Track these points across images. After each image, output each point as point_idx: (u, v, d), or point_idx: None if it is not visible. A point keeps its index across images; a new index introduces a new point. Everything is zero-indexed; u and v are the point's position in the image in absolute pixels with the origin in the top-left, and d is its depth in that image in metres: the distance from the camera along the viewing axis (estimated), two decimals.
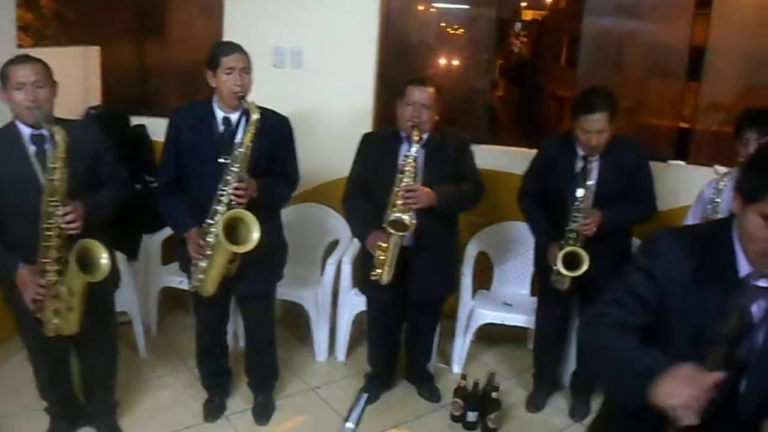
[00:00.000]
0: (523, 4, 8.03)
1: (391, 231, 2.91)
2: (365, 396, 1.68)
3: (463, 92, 4.37)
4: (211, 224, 2.70)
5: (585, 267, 2.97)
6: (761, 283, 1.51)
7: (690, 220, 3.01)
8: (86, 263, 2.44)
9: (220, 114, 2.80)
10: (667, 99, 4.17)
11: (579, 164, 3.07)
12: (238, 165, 2.65)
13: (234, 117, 2.78)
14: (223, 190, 2.65)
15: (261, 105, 2.85)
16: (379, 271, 3.03)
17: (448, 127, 3.18)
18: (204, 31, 4.14)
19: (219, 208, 2.66)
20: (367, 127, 3.81)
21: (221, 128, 2.79)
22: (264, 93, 2.99)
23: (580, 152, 3.06)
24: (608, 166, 3.03)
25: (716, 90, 4.04)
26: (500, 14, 5.79)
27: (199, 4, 4.46)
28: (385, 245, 2.96)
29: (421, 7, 4.55)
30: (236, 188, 2.64)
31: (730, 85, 4.06)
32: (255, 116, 2.67)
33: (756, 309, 1.52)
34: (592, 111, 2.89)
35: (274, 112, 2.90)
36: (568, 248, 3.01)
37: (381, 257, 3.00)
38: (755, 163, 1.46)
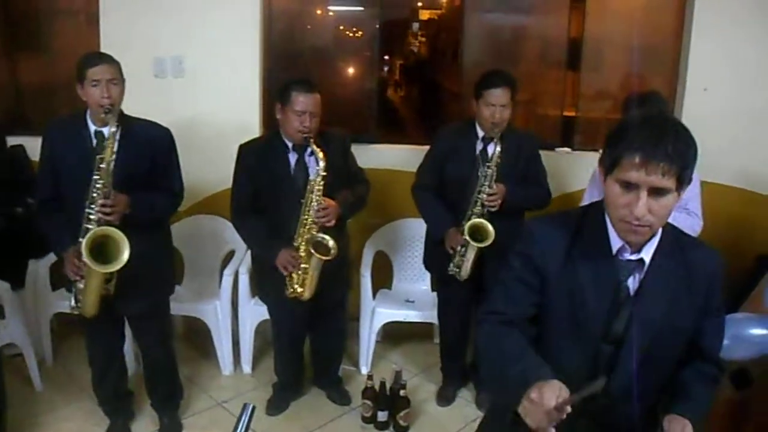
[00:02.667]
0: (420, 4, 8.12)
1: (316, 255, 2.92)
2: (250, 407, 1.64)
3: (353, 93, 4.36)
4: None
5: (491, 239, 3.03)
6: (633, 256, 1.56)
7: (587, 201, 3.11)
8: None
9: (92, 128, 2.69)
10: (551, 89, 4.29)
11: (480, 146, 3.17)
12: (102, 181, 2.55)
13: (107, 131, 2.67)
14: (91, 208, 2.54)
15: (141, 116, 2.78)
16: (300, 289, 3.02)
17: (328, 127, 3.16)
18: (83, 43, 3.97)
19: (89, 226, 2.55)
20: (255, 133, 3.76)
21: (94, 142, 2.68)
22: (145, 104, 2.91)
23: (481, 134, 3.16)
24: (507, 151, 3.13)
25: (595, 79, 4.20)
26: (393, 15, 5.87)
27: (76, 15, 4.27)
28: (307, 266, 2.96)
29: (318, 11, 4.52)
30: (102, 205, 2.53)
31: (608, 74, 4.23)
32: (111, 129, 2.57)
33: (631, 282, 1.57)
34: (495, 85, 3.06)
35: (153, 124, 2.82)
36: (475, 219, 3.07)
37: (301, 277, 3.00)
38: (611, 136, 1.50)
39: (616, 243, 1.55)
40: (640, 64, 4.23)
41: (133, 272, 2.59)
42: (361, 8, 4.25)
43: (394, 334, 4.03)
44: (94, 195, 2.54)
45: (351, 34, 4.41)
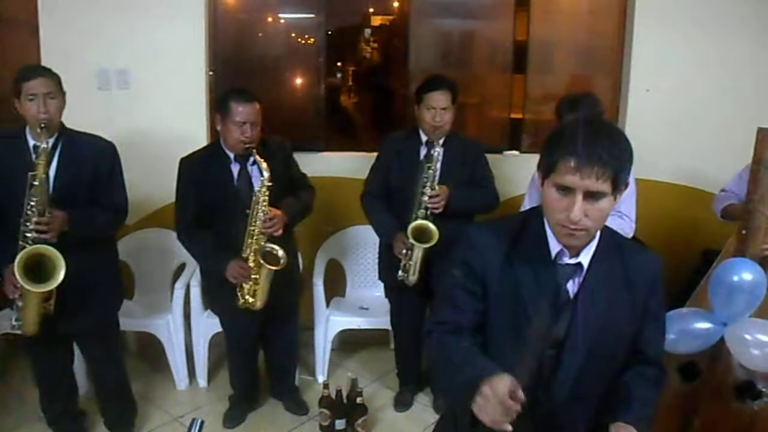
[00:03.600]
0: (371, 10, 8.14)
1: (265, 265, 2.91)
2: (198, 421, 1.62)
3: (302, 101, 4.35)
4: None
5: (434, 240, 3.06)
6: (572, 260, 1.57)
7: (527, 204, 3.15)
8: None
9: (32, 143, 2.64)
10: (499, 92, 4.34)
11: (423, 150, 3.20)
12: (36, 198, 2.49)
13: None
14: (26, 226, 2.49)
15: (85, 130, 2.73)
16: (252, 300, 3.00)
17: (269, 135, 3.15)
18: (25, 56, 3.87)
19: (25, 244, 2.49)
20: (203, 144, 3.66)
21: (33, 157, 2.61)
22: (90, 117, 2.88)
23: (424, 138, 3.21)
24: (451, 156, 3.18)
25: (542, 81, 4.27)
26: (345, 22, 5.87)
27: (19, 27, 4.15)
28: (257, 276, 2.95)
29: (270, 19, 4.49)
30: (37, 223, 2.48)
31: (554, 76, 4.30)
32: (43, 145, 2.53)
33: (571, 286, 1.59)
34: (435, 88, 3.13)
35: (95, 137, 2.77)
36: (418, 221, 3.09)
37: (252, 288, 2.98)
38: (548, 141, 1.52)
39: (554, 247, 1.57)
40: (585, 66, 4.33)
41: (75, 289, 2.55)
42: (312, 15, 4.23)
43: (350, 342, 4.03)
44: (29, 213, 2.49)
45: (303, 41, 4.40)
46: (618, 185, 1.45)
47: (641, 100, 4.07)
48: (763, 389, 2.81)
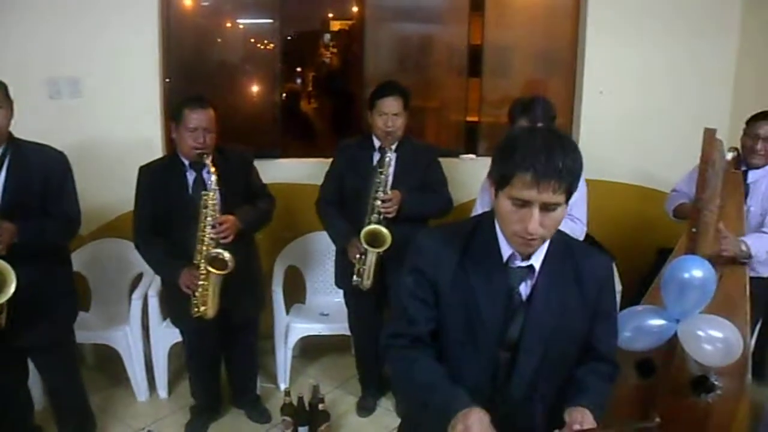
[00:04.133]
0: (331, 15, 8.13)
1: (212, 270, 2.88)
2: None
3: (258, 108, 4.32)
4: None
5: (387, 244, 3.08)
6: (523, 263, 1.59)
7: (479, 209, 3.17)
8: None
9: None
10: (455, 96, 4.37)
11: (377, 156, 3.22)
12: None
13: None
14: None
15: (37, 140, 2.68)
16: (203, 308, 2.97)
17: (225, 144, 3.13)
18: None
19: None
20: (158, 154, 3.65)
21: None
22: (40, 127, 2.83)
23: (377, 144, 3.22)
24: (404, 161, 3.21)
25: (497, 85, 4.32)
26: (304, 27, 5.85)
27: None
28: (206, 283, 2.92)
29: (228, 24, 4.45)
30: None
31: (509, 79, 4.35)
32: None
33: (523, 288, 1.61)
34: (387, 94, 3.16)
35: (46, 147, 2.72)
36: (371, 226, 3.11)
37: (203, 295, 2.95)
38: (500, 151, 1.52)
39: (506, 251, 1.59)
40: (540, 69, 4.39)
41: (28, 303, 2.50)
42: (270, 21, 4.21)
43: (311, 349, 4.02)
44: None
45: (262, 47, 4.37)
46: (572, 194, 1.48)
47: (595, 102, 4.15)
48: (716, 382, 2.88)
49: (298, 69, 7.51)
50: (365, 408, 3.55)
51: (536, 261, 1.59)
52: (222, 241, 2.90)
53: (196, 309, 2.98)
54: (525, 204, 1.46)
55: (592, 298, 1.65)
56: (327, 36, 8.39)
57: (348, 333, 3.64)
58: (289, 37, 5.25)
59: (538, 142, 1.45)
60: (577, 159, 1.47)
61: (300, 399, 3.24)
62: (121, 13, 3.63)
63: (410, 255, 1.68)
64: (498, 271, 1.59)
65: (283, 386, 3.67)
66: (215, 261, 2.89)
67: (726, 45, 4.19)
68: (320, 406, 3.22)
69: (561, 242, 1.65)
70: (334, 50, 8.45)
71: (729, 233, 2.91)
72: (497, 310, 1.59)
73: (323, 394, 3.28)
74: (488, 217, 1.63)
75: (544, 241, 1.55)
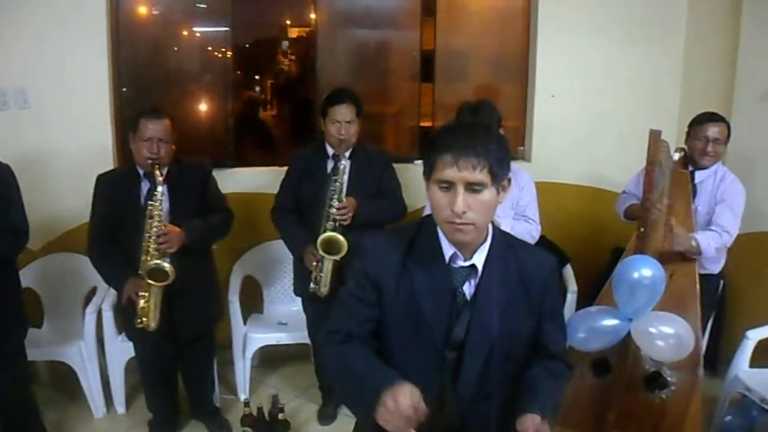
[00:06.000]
0: (288, 22, 8.10)
1: (152, 282, 2.85)
2: None
3: (212, 117, 4.28)
4: None
5: (344, 251, 3.08)
6: (466, 263, 1.61)
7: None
8: None
9: None
10: (409, 101, 4.39)
11: (331, 164, 3.22)
12: None
13: None
14: None
15: None
16: (144, 320, 2.94)
17: (184, 155, 3.12)
18: None
19: None
20: (109, 164, 3.60)
21: None
22: None
23: (331, 152, 3.23)
24: (358, 167, 3.22)
25: (450, 89, 4.34)
26: (262, 35, 5.80)
27: None
28: (147, 294, 2.89)
29: (185, 33, 4.40)
30: None
31: (462, 84, 4.39)
32: None
33: (467, 288, 1.62)
34: (339, 102, 3.16)
35: None
36: (327, 233, 3.11)
37: (144, 307, 2.91)
38: (427, 145, 1.57)
39: (448, 251, 1.60)
40: (493, 73, 4.43)
41: None
42: (225, 29, 4.18)
43: (271, 358, 4.00)
44: None
45: (219, 55, 4.33)
46: (497, 177, 1.51)
47: (547, 105, 4.21)
48: (670, 378, 2.94)
49: (257, 77, 7.47)
50: (326, 416, 3.53)
51: (478, 260, 1.61)
52: (168, 251, 2.87)
53: (139, 321, 2.95)
54: (450, 186, 1.49)
55: (537, 297, 1.67)
56: (285, 43, 8.36)
57: (307, 341, 3.62)
58: (247, 45, 5.21)
59: (460, 129, 1.54)
60: (500, 145, 1.53)
61: (260, 409, 3.22)
62: (67, 23, 3.57)
63: (356, 257, 1.70)
64: (441, 271, 1.60)
65: (243, 397, 3.63)
66: (155, 272, 2.86)
67: (673, 49, 4.29)
68: (280, 416, 3.22)
69: (503, 242, 1.67)
70: (293, 57, 8.41)
71: (680, 228, 2.97)
72: (442, 311, 1.60)
73: (283, 404, 3.27)
74: (430, 219, 1.64)
75: (478, 229, 1.55)
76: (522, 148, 4.38)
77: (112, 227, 2.97)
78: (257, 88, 7.51)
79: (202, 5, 4.17)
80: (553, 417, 1.65)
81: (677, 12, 4.26)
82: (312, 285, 3.21)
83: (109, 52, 3.69)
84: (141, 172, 2.96)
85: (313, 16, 5.05)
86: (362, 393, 1.47)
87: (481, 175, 1.47)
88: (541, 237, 3.29)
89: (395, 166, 3.44)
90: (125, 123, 3.66)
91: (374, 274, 1.62)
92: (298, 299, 3.51)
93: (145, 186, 2.96)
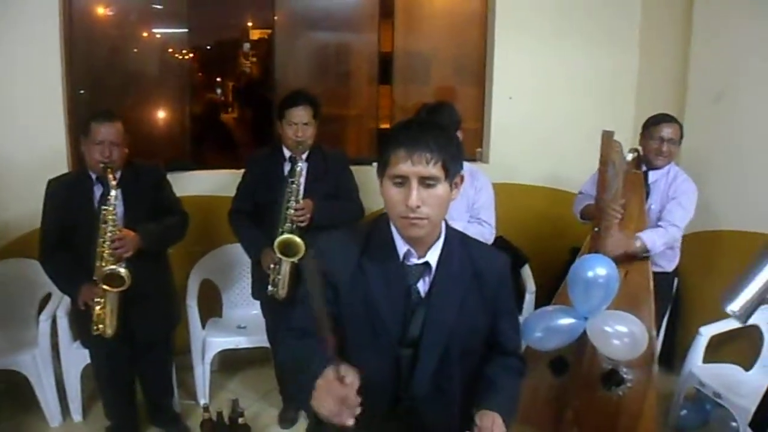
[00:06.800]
0: (250, 24, 8.04)
1: (107, 288, 2.81)
2: None
3: (168, 120, 4.23)
4: None
5: (302, 253, 3.06)
6: (420, 261, 1.62)
7: None
8: None
9: None
10: (367, 103, 4.40)
11: (287, 166, 3.22)
12: None
13: None
14: None
15: None
16: (101, 326, 2.90)
17: (137, 158, 3.08)
18: None
19: None
20: (63, 168, 3.52)
21: None
22: None
23: (287, 154, 3.22)
24: (315, 169, 3.21)
25: (409, 91, 4.36)
26: (223, 36, 5.75)
27: None
28: (102, 300, 2.84)
29: (145, 34, 4.34)
30: None
31: (421, 86, 4.41)
32: None
33: (422, 285, 1.63)
34: (295, 104, 3.16)
35: None
36: (284, 236, 3.10)
37: (100, 313, 2.87)
38: (381, 143, 1.58)
39: (402, 248, 1.61)
40: (451, 75, 4.46)
41: None
42: (184, 30, 4.13)
43: (231, 362, 3.97)
44: None
45: (180, 57, 4.28)
46: (450, 172, 1.53)
47: (505, 107, 4.25)
48: (626, 375, 2.99)
49: (219, 79, 7.41)
50: (287, 419, 3.51)
51: (432, 258, 1.62)
52: (123, 256, 2.83)
53: (95, 327, 2.90)
54: (404, 181, 1.50)
55: (490, 293, 1.69)
56: (247, 45, 8.30)
57: (267, 345, 3.60)
58: (208, 47, 5.17)
59: (413, 125, 1.56)
60: (453, 141, 1.55)
61: (219, 414, 3.20)
62: (18, 25, 3.47)
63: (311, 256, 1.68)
64: (395, 269, 1.61)
65: (202, 402, 3.57)
66: (111, 278, 2.82)
67: (628, 52, 4.38)
68: (240, 420, 3.20)
69: (457, 240, 1.68)
70: (254, 59, 8.36)
71: (617, 232, 3.01)
72: (396, 308, 1.61)
73: (243, 408, 3.26)
74: (384, 217, 1.65)
75: (432, 224, 1.56)
76: (480, 149, 4.41)
77: (64, 233, 2.92)
78: (218, 90, 7.46)
79: (158, 6, 4.12)
80: (511, 416, 1.66)
81: (632, 15, 4.34)
82: (270, 288, 3.20)
83: (63, 55, 3.61)
84: (93, 176, 2.92)
85: (276, 18, 5.02)
86: (304, 382, 1.45)
87: (434, 170, 1.49)
88: (499, 237, 3.32)
89: (354, 168, 3.44)
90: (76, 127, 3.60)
91: (329, 273, 1.61)
92: (257, 303, 3.49)
93: (98, 190, 2.92)
